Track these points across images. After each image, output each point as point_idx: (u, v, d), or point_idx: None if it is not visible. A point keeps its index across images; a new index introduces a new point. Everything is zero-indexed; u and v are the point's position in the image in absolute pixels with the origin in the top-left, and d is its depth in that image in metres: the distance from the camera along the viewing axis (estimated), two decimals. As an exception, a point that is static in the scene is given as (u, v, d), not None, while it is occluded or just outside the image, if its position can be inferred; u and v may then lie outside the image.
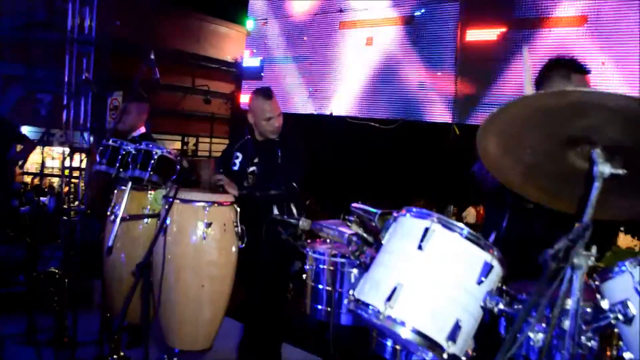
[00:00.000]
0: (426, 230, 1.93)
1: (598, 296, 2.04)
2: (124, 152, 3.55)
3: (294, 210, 3.84)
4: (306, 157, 3.99)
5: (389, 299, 1.87)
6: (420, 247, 1.92)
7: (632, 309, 1.91)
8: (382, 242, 2.11)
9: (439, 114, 4.93)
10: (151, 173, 3.45)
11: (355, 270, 2.84)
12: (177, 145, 14.69)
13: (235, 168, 4.07)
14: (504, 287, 2.30)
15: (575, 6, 4.29)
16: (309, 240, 3.20)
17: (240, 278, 3.63)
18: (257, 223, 3.60)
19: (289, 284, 3.89)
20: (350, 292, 2.06)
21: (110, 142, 3.63)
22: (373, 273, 2.02)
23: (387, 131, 5.44)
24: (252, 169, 4.04)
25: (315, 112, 5.71)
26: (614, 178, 1.71)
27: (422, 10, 5.02)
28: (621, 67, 4.13)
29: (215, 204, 3.42)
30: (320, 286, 2.97)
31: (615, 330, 2.04)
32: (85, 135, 9.48)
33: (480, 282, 1.92)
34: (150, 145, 3.50)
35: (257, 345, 3.93)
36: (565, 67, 2.76)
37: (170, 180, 3.48)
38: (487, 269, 1.92)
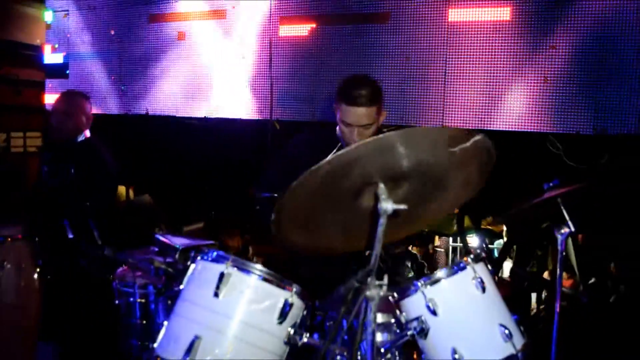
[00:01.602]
0: (221, 275, 1.85)
1: (398, 312, 2.13)
2: None
3: (95, 233, 3.51)
4: (108, 170, 3.70)
5: (187, 353, 1.77)
6: (216, 295, 1.83)
7: (426, 324, 2.01)
8: (181, 287, 1.99)
9: (257, 110, 4.86)
10: None
11: (169, 301, 2.70)
12: (-16, 143, 13.10)
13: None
14: (317, 304, 2.33)
15: (378, 3, 4.43)
16: (119, 269, 2.98)
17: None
18: (57, 250, 3.31)
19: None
20: (152, 345, 1.93)
21: None
22: (171, 325, 1.90)
23: (207, 128, 5.29)
24: (53, 183, 3.70)
25: (129, 113, 5.35)
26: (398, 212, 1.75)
27: (234, 6, 4.88)
28: (426, 60, 4.34)
29: (8, 239, 3.03)
30: (134, 320, 2.78)
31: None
32: None
33: (282, 321, 1.89)
34: None
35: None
36: (340, 98, 2.66)
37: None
38: (288, 307, 1.89)
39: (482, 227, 7.87)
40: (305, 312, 2.02)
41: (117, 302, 2.80)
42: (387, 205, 1.71)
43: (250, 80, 4.86)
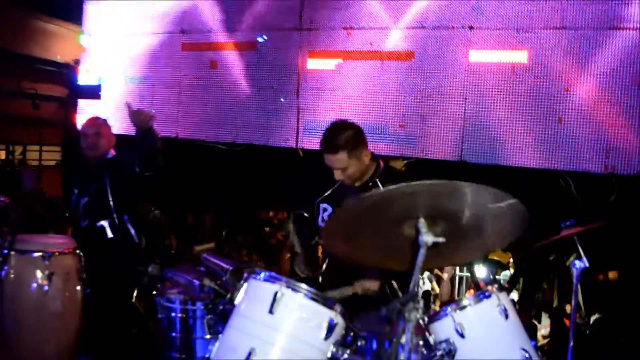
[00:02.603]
0: (275, 294, 2.06)
1: (427, 334, 2.33)
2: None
3: (132, 231, 3.79)
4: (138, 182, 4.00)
5: (244, 363, 1.97)
6: (271, 311, 2.04)
7: (454, 346, 2.22)
8: (235, 302, 2.20)
9: (284, 138, 5.10)
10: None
11: (208, 317, 2.91)
12: (1, 155, 13.40)
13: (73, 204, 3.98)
14: (349, 324, 2.54)
15: (403, 41, 4.70)
16: (159, 285, 3.18)
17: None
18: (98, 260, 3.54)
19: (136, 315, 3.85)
20: (207, 356, 2.14)
21: None
22: (227, 337, 2.11)
23: (234, 153, 5.54)
24: (84, 199, 3.97)
25: (159, 135, 5.59)
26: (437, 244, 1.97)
27: (265, 37, 5.16)
28: (447, 97, 4.60)
29: (56, 253, 3.25)
30: (174, 334, 2.97)
31: None
32: None
33: (327, 337, 2.09)
34: (-23, 195, 3.23)
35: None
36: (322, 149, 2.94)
37: (3, 230, 3.24)
38: (333, 325, 2.10)
39: (489, 257, 8.05)
40: (344, 331, 2.23)
41: (159, 315, 2.99)
42: (428, 238, 1.93)
43: (277, 109, 5.12)
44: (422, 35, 4.63)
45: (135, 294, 3.66)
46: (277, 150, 5.24)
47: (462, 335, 2.20)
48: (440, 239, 1.95)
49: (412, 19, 4.67)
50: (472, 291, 8.56)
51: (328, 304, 2.11)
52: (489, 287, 2.31)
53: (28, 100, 12.93)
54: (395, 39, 4.72)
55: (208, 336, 2.92)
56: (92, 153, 4.07)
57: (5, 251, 3.06)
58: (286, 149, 5.17)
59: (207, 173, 5.82)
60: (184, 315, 2.96)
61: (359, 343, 2.55)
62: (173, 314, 2.97)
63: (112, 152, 4.14)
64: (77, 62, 10.58)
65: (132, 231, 3.86)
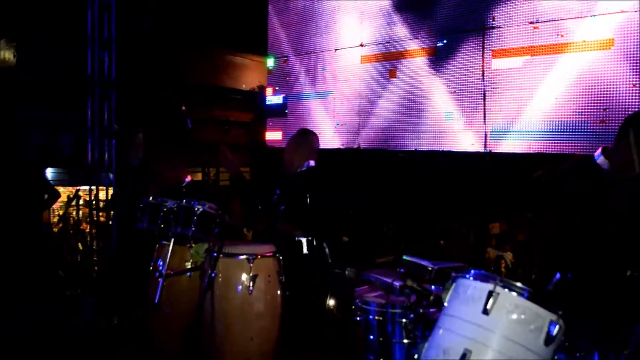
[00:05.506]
0: (490, 293, 1.93)
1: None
2: (165, 209, 3.58)
3: (327, 250, 3.84)
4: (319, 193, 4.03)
5: (459, 365, 1.87)
6: (485, 312, 1.91)
7: None
8: (444, 303, 2.10)
9: (469, 143, 4.92)
10: (194, 230, 3.50)
11: (404, 320, 2.85)
12: (199, 176, 14.85)
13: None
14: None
15: (599, 29, 4.28)
16: (357, 288, 3.20)
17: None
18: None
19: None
20: (416, 356, 2.07)
21: (150, 199, 3.68)
22: (438, 339, 2.02)
23: (415, 160, 5.46)
24: (282, 207, 4.12)
25: (342, 147, 5.73)
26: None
27: (445, 41, 5.05)
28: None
29: (259, 256, 3.44)
30: (371, 336, 2.96)
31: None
32: (111, 175, 9.58)
33: (548, 343, 1.91)
34: (192, 202, 3.54)
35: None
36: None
37: (213, 235, 3.51)
38: (554, 329, 1.91)
39: None
40: (563, 337, 2.02)
41: (357, 318, 3.00)
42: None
43: (461, 114, 4.96)
44: (622, 19, 4.18)
45: (329, 296, 3.72)
46: (460, 156, 5.06)
47: None
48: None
49: (610, 3, 4.24)
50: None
51: (549, 306, 1.93)
52: None
53: (219, 127, 14.22)
54: (591, 28, 4.31)
55: (406, 340, 2.86)
56: (285, 164, 4.18)
57: (215, 254, 3.30)
58: (471, 154, 4.97)
59: (388, 182, 5.81)
60: (381, 318, 2.93)
61: (577, 354, 2.32)
62: (371, 317, 2.96)
63: (310, 163, 4.10)
64: (260, 88, 11.34)
65: (327, 251, 3.88)
